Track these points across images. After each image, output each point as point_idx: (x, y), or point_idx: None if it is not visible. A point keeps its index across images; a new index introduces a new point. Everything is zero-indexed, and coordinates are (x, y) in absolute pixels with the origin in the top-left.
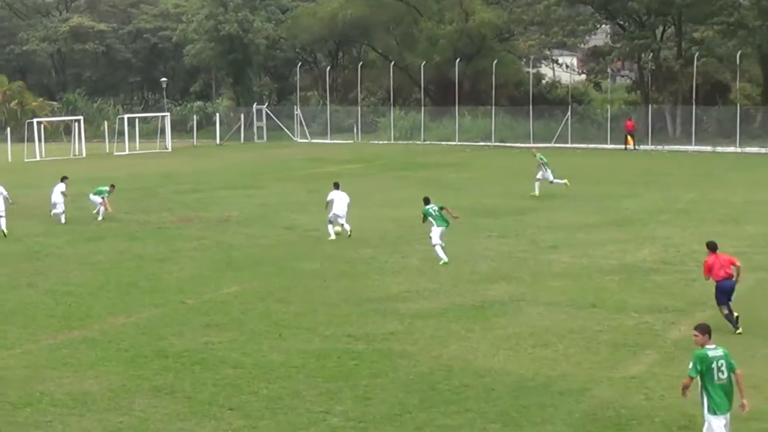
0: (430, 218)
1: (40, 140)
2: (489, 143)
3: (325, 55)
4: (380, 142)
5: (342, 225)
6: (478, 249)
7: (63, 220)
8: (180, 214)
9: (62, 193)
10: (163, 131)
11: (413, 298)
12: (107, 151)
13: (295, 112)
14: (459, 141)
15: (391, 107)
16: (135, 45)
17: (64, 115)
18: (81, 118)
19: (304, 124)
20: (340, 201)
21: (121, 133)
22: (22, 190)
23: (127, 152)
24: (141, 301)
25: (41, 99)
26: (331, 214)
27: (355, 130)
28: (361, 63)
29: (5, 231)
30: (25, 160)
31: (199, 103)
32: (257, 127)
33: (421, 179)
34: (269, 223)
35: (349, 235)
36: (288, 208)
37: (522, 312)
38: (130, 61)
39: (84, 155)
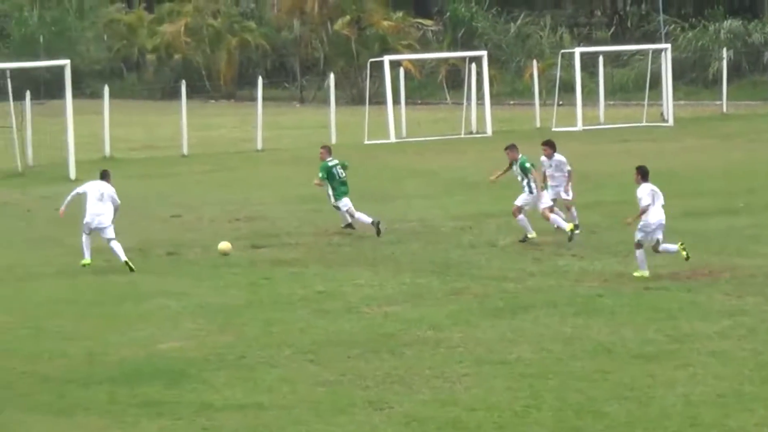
0: None
1: (396, 101)
2: None
3: None
4: None
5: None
6: None
7: None
8: (703, 261)
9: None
10: (655, 85)
11: None
12: (536, 123)
13: None
14: None
15: None
16: None
17: (448, 49)
18: (484, 53)
19: None
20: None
21: (567, 85)
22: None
23: (579, 127)
24: None
25: (400, 14)
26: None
27: None
28: None
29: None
30: (366, 141)
31: None
32: None
33: None
34: None
35: None
36: None
37: None
38: None
39: (488, 132)
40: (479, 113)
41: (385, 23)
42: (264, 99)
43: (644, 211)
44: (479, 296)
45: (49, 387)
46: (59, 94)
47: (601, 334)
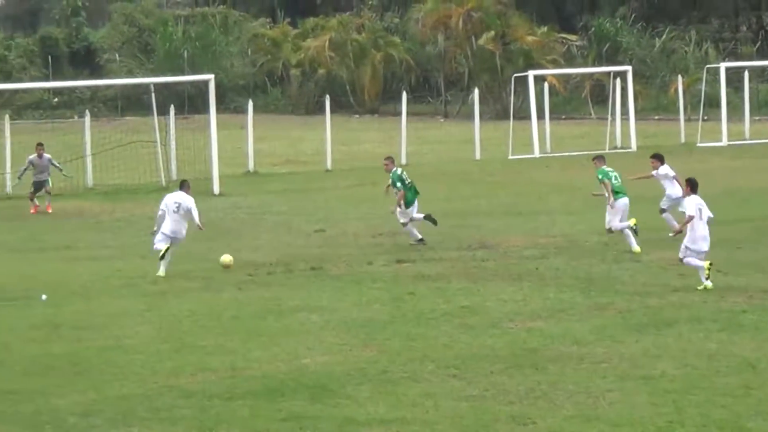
0: None
1: (540, 116)
2: None
3: None
4: None
5: None
6: None
7: None
8: None
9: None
10: None
11: None
12: (681, 138)
13: None
14: None
15: None
16: None
17: (592, 64)
18: (628, 68)
19: None
20: None
21: (712, 100)
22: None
23: (724, 142)
24: None
25: (544, 29)
26: None
27: None
28: None
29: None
30: (511, 156)
31: None
32: None
33: None
34: None
35: None
36: None
37: None
38: None
39: (633, 147)
40: (624, 128)
41: (530, 38)
42: (408, 114)
43: (689, 220)
44: (623, 311)
45: (191, 401)
46: (203, 108)
47: (746, 349)
